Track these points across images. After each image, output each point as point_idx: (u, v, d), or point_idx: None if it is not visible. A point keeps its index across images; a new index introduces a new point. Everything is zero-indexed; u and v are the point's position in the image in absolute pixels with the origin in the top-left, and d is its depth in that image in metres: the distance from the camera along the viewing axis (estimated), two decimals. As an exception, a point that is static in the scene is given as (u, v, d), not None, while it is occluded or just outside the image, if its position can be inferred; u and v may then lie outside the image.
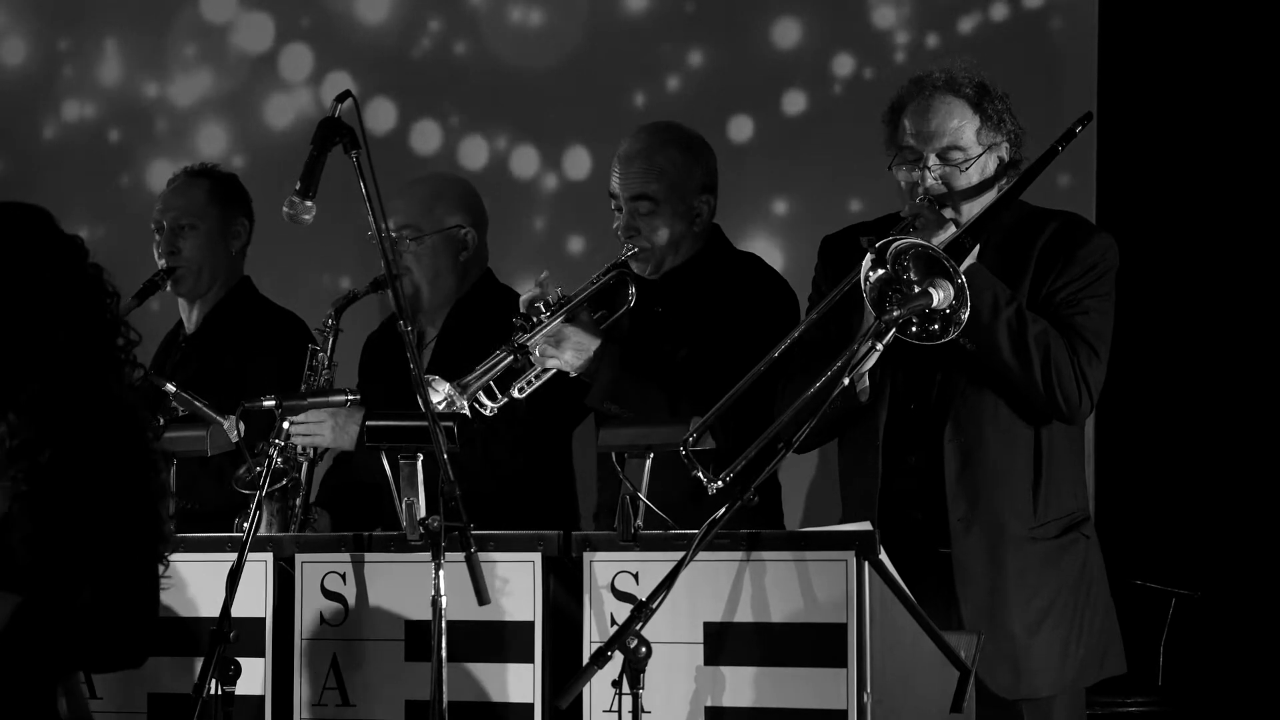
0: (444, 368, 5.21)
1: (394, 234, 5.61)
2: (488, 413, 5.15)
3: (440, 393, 5.03)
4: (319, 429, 5.45)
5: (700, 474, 4.29)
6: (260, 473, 4.74)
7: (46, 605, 3.65)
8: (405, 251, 5.67)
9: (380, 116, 7.08)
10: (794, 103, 6.68)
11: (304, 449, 5.51)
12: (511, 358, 5.15)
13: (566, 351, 5.20)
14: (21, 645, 3.64)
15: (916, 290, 4.34)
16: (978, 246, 4.62)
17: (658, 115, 6.03)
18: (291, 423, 5.21)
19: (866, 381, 4.68)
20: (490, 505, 5.00)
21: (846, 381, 4.29)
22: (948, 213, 4.70)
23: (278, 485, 5.42)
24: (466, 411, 5.06)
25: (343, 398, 5.14)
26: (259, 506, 4.62)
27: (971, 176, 4.72)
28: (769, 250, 6.35)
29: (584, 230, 6.87)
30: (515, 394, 5.19)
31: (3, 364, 3.68)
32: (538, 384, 5.23)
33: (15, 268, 3.69)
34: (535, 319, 5.18)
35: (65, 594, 3.65)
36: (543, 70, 6.97)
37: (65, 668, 3.76)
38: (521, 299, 5.24)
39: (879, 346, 4.30)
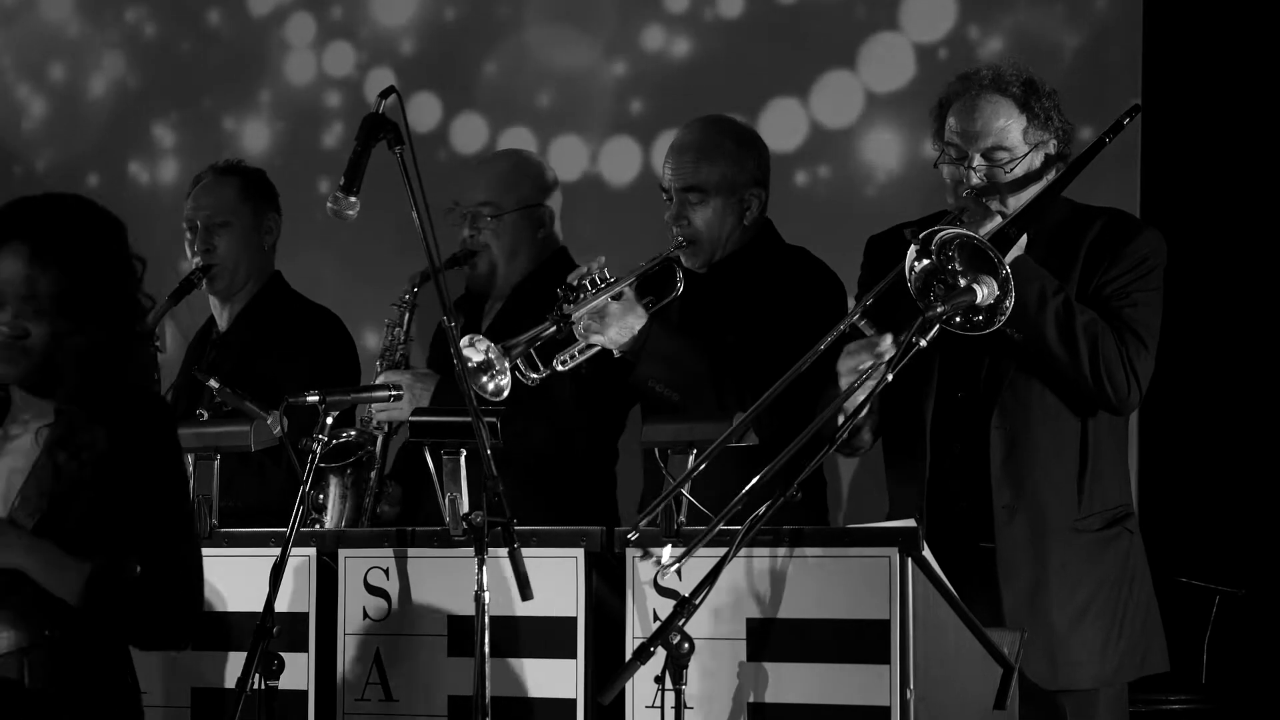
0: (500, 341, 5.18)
1: (472, 210, 5.66)
2: (529, 383, 5.11)
3: (481, 352, 5.01)
4: (396, 403, 5.38)
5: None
6: (327, 441, 4.71)
7: (106, 576, 3.81)
8: (484, 228, 5.68)
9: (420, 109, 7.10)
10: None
11: (379, 424, 5.53)
12: (555, 328, 5.11)
13: (610, 328, 5.16)
14: (94, 614, 3.81)
15: (961, 284, 4.33)
16: (1024, 237, 4.61)
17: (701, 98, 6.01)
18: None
19: (867, 435, 4.72)
20: (529, 488, 5.00)
21: (890, 378, 4.28)
22: (994, 205, 4.69)
23: (351, 459, 5.44)
24: (508, 375, 5.02)
25: (385, 392, 5.13)
26: (302, 501, 4.62)
27: (1017, 173, 4.70)
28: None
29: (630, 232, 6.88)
30: (558, 366, 5.15)
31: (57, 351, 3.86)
32: (580, 359, 5.19)
33: (82, 267, 3.87)
34: (582, 294, 5.15)
35: (117, 569, 3.78)
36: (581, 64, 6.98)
37: (120, 640, 3.90)
38: (570, 274, 5.20)
39: (922, 343, 4.28)
